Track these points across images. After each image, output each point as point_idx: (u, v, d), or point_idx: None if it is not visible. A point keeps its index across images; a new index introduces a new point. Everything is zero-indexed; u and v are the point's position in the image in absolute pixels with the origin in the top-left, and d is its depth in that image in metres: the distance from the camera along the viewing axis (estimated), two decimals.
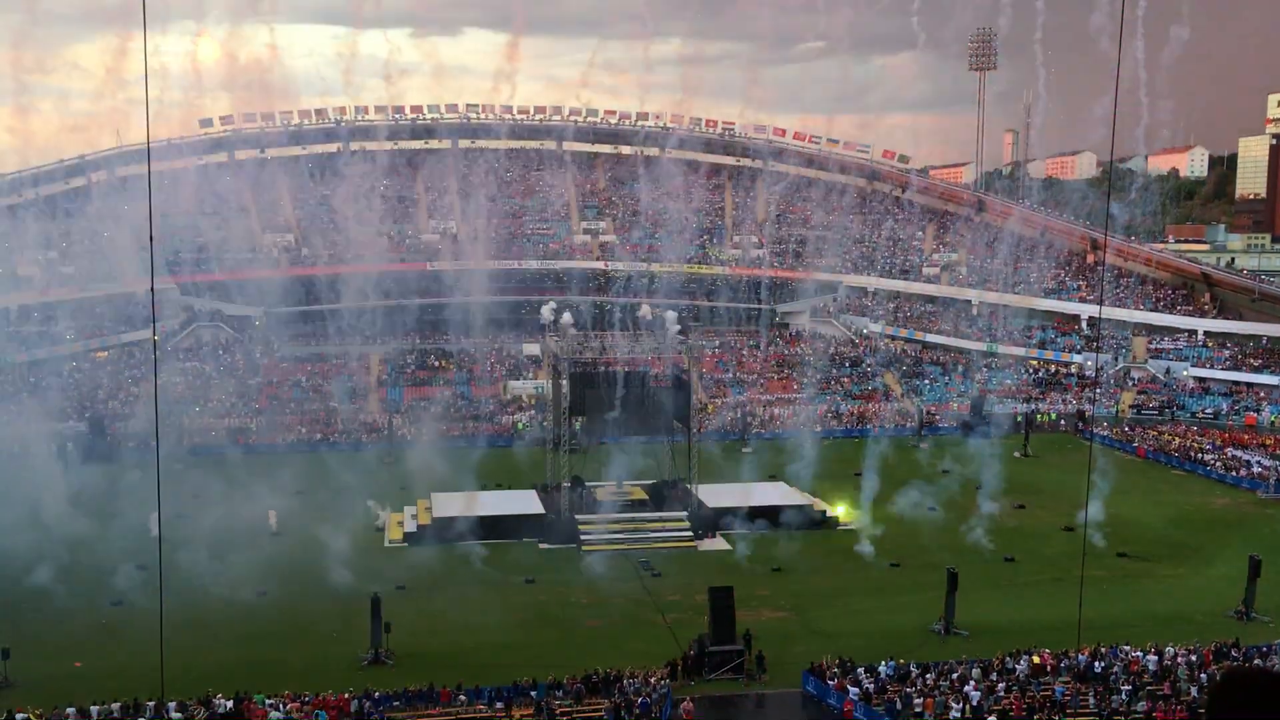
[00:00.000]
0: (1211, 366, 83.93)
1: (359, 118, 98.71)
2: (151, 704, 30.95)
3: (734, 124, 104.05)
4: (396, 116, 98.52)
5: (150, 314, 75.39)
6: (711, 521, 52.08)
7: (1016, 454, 69.47)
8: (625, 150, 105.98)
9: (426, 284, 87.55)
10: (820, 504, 55.40)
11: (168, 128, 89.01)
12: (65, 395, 74.22)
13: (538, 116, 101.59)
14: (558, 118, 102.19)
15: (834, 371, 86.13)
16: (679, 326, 57.86)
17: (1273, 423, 76.73)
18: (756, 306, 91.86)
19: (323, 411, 76.18)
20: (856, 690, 33.15)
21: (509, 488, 58.39)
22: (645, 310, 59.88)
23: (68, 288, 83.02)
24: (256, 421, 73.81)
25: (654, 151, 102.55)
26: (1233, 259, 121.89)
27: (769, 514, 52.66)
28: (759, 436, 74.05)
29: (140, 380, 75.37)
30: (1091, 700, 32.77)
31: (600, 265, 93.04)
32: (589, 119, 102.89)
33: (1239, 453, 67.69)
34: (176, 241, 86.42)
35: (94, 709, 31.24)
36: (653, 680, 33.68)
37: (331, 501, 54.71)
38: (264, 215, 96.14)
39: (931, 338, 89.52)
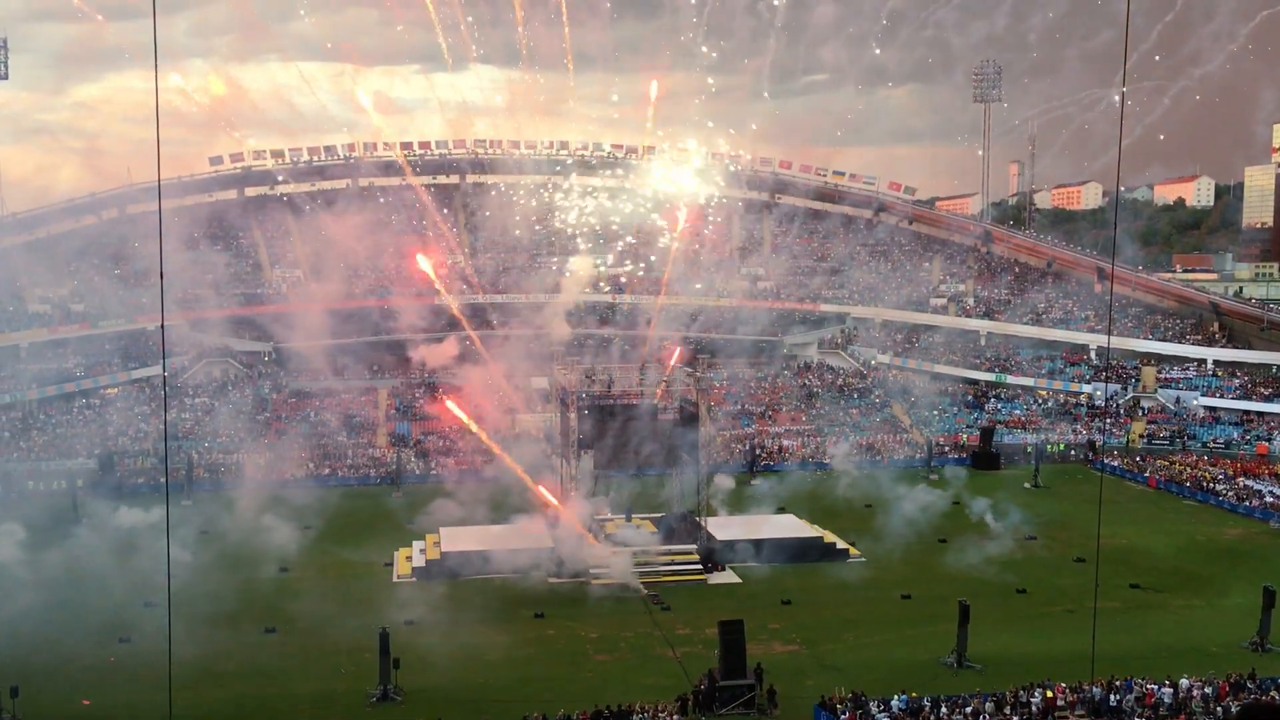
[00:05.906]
0: (1222, 396, 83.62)
1: (368, 154, 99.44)
2: None
3: (739, 156, 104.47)
4: (405, 152, 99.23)
5: (160, 350, 75.56)
6: (721, 554, 51.87)
7: (1027, 485, 69.22)
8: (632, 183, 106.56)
9: (435, 319, 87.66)
10: (830, 536, 55.15)
11: (178, 165, 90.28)
12: (75, 432, 74.43)
13: (545, 151, 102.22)
14: (564, 152, 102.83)
15: (842, 403, 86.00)
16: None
17: None
18: (765, 339, 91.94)
19: (331, 446, 76.23)
20: None
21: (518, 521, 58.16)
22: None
23: (78, 324, 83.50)
24: (266, 456, 73.85)
25: (661, 183, 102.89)
26: (1241, 288, 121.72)
27: (779, 546, 52.41)
28: (768, 468, 73.83)
29: (150, 417, 75.53)
30: None
31: (609, 298, 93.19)
32: (595, 153, 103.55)
33: (1251, 483, 67.26)
34: (186, 278, 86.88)
35: None
36: (663, 715, 33.45)
37: (339, 536, 54.60)
38: (273, 251, 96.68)
39: (940, 369, 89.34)
